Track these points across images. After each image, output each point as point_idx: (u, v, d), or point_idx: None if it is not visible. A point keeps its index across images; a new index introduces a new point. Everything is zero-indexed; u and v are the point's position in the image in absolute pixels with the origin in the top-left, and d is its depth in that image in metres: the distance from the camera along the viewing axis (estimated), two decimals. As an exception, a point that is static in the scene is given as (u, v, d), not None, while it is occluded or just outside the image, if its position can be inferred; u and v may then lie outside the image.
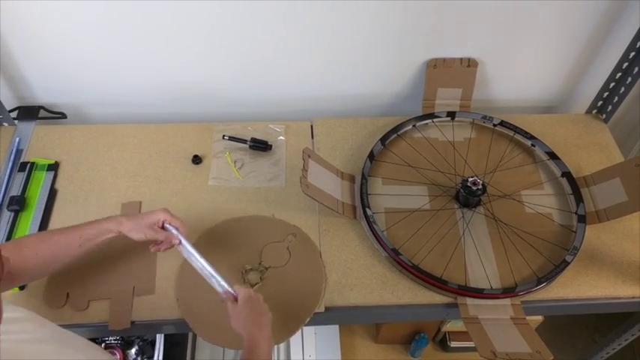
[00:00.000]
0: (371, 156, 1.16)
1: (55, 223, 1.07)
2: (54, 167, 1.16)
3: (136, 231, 0.90)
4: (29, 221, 1.06)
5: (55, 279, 0.99)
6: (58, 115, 1.26)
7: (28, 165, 1.15)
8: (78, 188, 1.13)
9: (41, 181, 1.13)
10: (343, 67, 1.24)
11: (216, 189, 1.15)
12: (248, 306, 0.85)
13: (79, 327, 0.95)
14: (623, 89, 1.20)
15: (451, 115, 1.25)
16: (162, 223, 0.93)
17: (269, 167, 1.19)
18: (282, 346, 1.51)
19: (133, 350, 1.37)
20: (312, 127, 1.27)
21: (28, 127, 1.22)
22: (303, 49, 1.19)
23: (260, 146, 1.20)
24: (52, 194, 1.11)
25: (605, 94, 1.25)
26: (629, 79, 1.17)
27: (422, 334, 1.57)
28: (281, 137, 1.24)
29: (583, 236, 1.05)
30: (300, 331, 1.47)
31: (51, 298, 0.96)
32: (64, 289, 0.97)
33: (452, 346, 1.59)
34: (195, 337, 1.45)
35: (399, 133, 1.23)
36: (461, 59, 1.22)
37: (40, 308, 0.95)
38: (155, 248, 0.94)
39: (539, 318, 1.49)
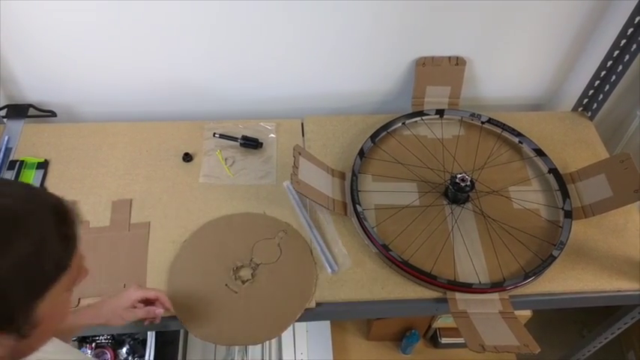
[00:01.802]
0: (361, 153, 1.17)
1: (44, 221, 1.07)
2: (43, 165, 1.15)
3: (114, 319, 0.87)
4: (19, 219, 1.06)
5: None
6: (47, 114, 1.26)
7: (18, 163, 1.14)
8: (68, 186, 1.13)
9: (31, 179, 1.12)
10: (334, 66, 1.25)
11: (207, 187, 1.15)
12: None
13: (70, 325, 0.95)
14: (607, 87, 1.22)
15: (440, 112, 1.26)
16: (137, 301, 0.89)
17: (260, 165, 1.19)
18: (273, 344, 1.51)
19: (124, 349, 1.37)
20: (302, 124, 1.28)
21: (17, 126, 1.22)
22: (294, 48, 1.20)
23: (251, 144, 1.21)
24: (42, 192, 1.11)
25: (591, 92, 1.27)
26: (614, 77, 1.19)
27: (413, 331, 1.58)
28: (272, 135, 1.25)
29: (569, 231, 1.07)
30: (291, 328, 1.48)
31: (41, 296, 0.96)
32: (54, 286, 0.97)
33: (442, 342, 1.60)
34: (186, 335, 1.45)
35: (388, 130, 1.24)
36: (449, 57, 1.24)
37: (30, 306, 0.95)
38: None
39: (528, 313, 1.51)
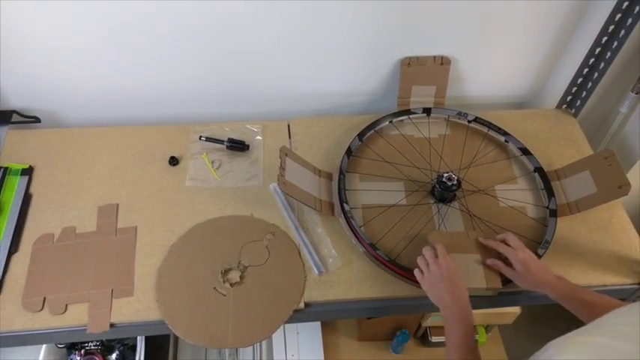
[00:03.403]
0: (349, 152, 1.17)
1: (30, 227, 1.06)
2: (28, 172, 1.14)
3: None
4: (4, 226, 1.05)
5: (32, 283, 0.97)
6: (31, 120, 1.25)
7: (1, 170, 1.13)
8: (53, 192, 1.12)
9: (15, 186, 1.11)
10: (319, 67, 1.25)
11: (194, 190, 1.14)
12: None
13: (58, 331, 0.94)
14: (590, 84, 1.23)
15: (427, 111, 1.27)
16: None
17: (247, 167, 1.19)
18: (264, 345, 1.51)
19: (114, 355, 1.36)
20: (289, 126, 1.28)
21: (0, 132, 1.20)
22: (279, 49, 1.20)
23: (237, 146, 1.21)
24: (27, 199, 1.10)
25: (574, 89, 1.29)
26: (596, 74, 1.21)
27: (403, 330, 1.58)
28: (258, 137, 1.25)
29: (554, 230, 1.07)
30: (282, 330, 1.48)
31: (28, 302, 0.95)
32: (41, 293, 0.96)
33: (433, 340, 1.61)
34: (176, 339, 1.45)
35: (376, 129, 1.24)
36: (434, 57, 1.25)
37: (18, 313, 0.94)
38: None
39: (517, 310, 1.52)
